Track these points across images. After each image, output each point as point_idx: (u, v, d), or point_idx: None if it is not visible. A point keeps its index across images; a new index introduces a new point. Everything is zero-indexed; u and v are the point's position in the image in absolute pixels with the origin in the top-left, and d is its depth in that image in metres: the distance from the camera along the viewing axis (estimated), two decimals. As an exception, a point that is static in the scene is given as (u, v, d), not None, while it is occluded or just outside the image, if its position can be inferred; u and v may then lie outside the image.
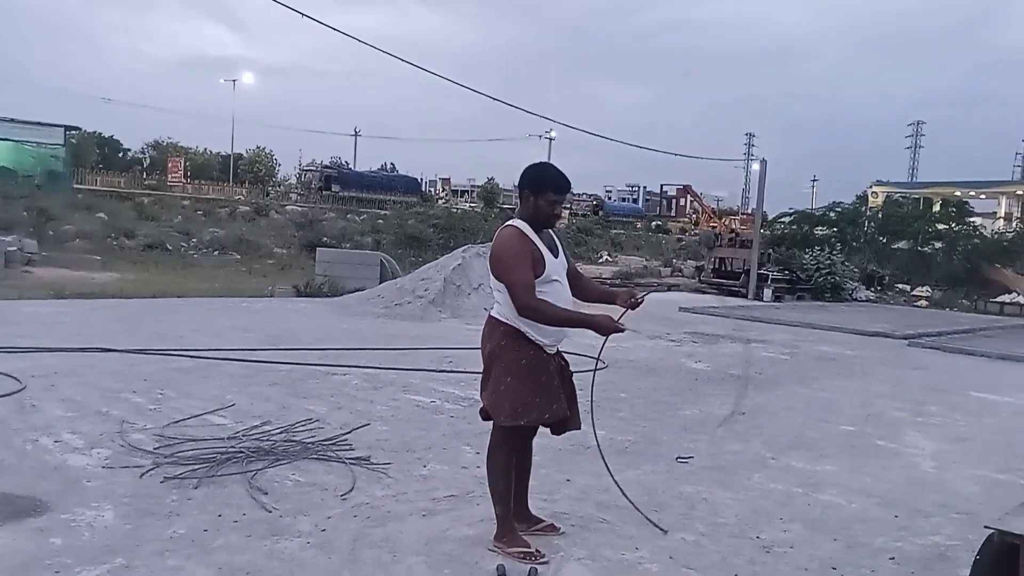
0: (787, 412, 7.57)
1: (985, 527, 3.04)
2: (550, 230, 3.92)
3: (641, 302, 3.92)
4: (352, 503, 4.39)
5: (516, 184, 3.96)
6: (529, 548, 3.80)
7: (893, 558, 4.11)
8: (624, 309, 3.86)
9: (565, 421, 3.92)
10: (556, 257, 3.84)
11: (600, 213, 66.87)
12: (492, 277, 3.80)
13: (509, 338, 3.75)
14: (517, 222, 3.79)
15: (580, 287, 4.05)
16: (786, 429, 6.85)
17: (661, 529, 4.22)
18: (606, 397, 7.58)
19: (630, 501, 4.36)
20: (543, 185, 3.78)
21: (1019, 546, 3.00)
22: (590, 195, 73.67)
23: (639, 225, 67.00)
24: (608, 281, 25.29)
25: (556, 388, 3.82)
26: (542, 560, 3.73)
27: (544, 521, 4.14)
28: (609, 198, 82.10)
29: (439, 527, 4.12)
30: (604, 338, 3.84)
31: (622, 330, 3.75)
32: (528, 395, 3.73)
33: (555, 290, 3.75)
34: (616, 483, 4.41)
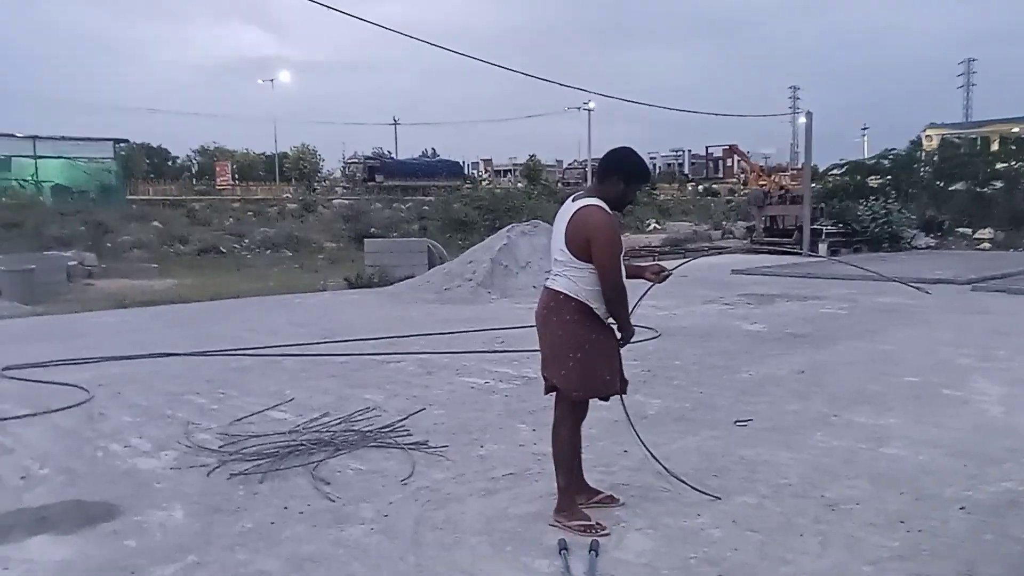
0: (848, 367, 7.42)
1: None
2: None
3: (668, 275, 4.07)
4: (412, 487, 4.44)
5: (601, 162, 3.96)
6: (590, 521, 3.80)
7: (963, 507, 4.02)
8: (652, 283, 4.05)
9: (619, 390, 4.01)
10: None
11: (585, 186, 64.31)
12: (568, 252, 3.75)
13: (582, 314, 3.77)
14: (601, 203, 3.78)
15: None
16: (847, 385, 6.72)
17: (712, 496, 4.18)
18: (660, 365, 7.55)
19: (670, 472, 4.32)
20: (635, 174, 3.86)
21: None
22: (580, 162, 71.18)
23: (652, 189, 63.87)
24: (657, 250, 25.09)
25: (617, 360, 3.94)
26: (603, 532, 3.73)
27: (603, 493, 4.14)
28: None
29: (499, 506, 4.14)
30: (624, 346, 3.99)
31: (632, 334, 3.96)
32: (601, 369, 3.83)
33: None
34: (650, 453, 4.39)
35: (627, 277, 4.00)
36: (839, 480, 4.45)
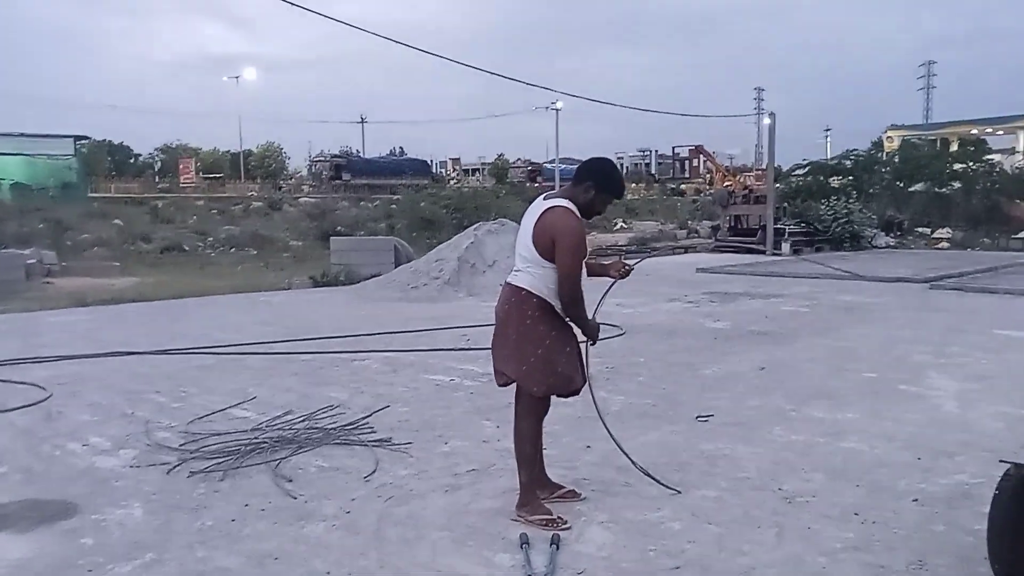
0: (808, 364, 7.54)
1: (1001, 461, 3.03)
2: None
3: (631, 270, 4.15)
4: (375, 484, 4.44)
5: (579, 168, 3.98)
6: (551, 515, 3.83)
7: (916, 500, 4.11)
8: (614, 280, 4.11)
9: (580, 386, 4.05)
10: None
11: (539, 180, 62.41)
12: (533, 249, 3.78)
13: (543, 311, 3.81)
14: (571, 205, 3.81)
15: None
16: (807, 381, 6.83)
17: (672, 489, 4.23)
18: (624, 362, 7.61)
19: (636, 464, 4.36)
20: (610, 188, 3.90)
21: (1038, 478, 2.99)
22: (524, 161, 70.55)
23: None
24: (624, 248, 25.24)
25: (578, 356, 3.98)
26: (564, 526, 3.76)
27: (565, 488, 4.18)
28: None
29: (462, 501, 4.16)
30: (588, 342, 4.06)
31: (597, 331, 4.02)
32: (561, 366, 3.86)
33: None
34: (619, 446, 4.42)
35: (591, 275, 4.04)
36: (796, 473, 4.53)
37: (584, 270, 3.88)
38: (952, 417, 5.69)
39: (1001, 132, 52.39)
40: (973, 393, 6.32)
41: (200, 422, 5.74)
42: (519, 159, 70.45)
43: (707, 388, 6.62)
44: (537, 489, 4.02)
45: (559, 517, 3.83)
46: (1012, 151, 44.79)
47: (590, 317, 3.94)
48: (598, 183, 3.85)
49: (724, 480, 4.44)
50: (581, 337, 4.04)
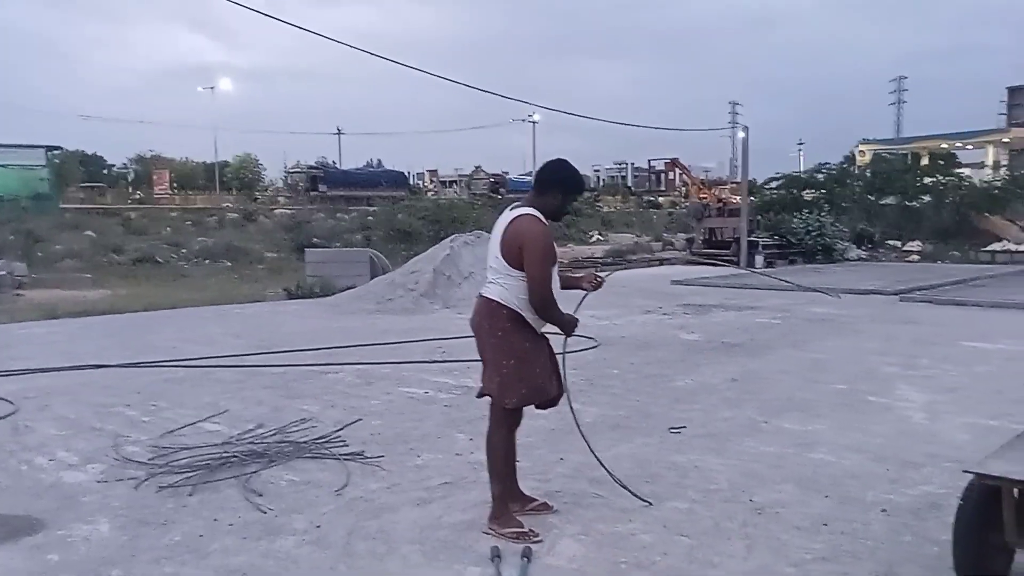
0: (780, 375, 7.61)
1: (964, 471, 3.07)
2: None
3: (603, 282, 4.19)
4: (347, 498, 4.42)
5: (538, 174, 4.03)
6: (523, 528, 3.83)
7: (885, 510, 4.16)
8: (586, 292, 4.14)
9: (554, 398, 4.07)
10: None
11: (501, 192, 60.86)
12: (502, 259, 3.80)
13: (514, 322, 3.82)
14: (537, 213, 3.84)
15: None
16: (778, 392, 6.89)
17: (645, 501, 4.25)
18: (599, 374, 7.63)
19: (611, 475, 4.37)
20: (570, 186, 3.95)
21: (1001, 488, 3.04)
22: (488, 173, 70.27)
23: (596, 201, 62.17)
24: (600, 260, 25.35)
25: (552, 368, 3.99)
26: (536, 539, 3.76)
27: (537, 500, 4.18)
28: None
29: (433, 515, 4.15)
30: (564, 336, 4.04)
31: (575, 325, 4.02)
32: (534, 377, 3.86)
33: (555, 278, 3.90)
34: (596, 456, 4.43)
35: (564, 288, 4.06)
36: (767, 485, 4.56)
37: (556, 278, 3.89)
38: (920, 428, 5.75)
39: (971, 147, 53.23)
40: (941, 405, 6.41)
41: (170, 436, 5.68)
42: (480, 170, 69.76)
43: (680, 400, 6.65)
44: (509, 502, 4.02)
45: (530, 530, 3.83)
46: (981, 165, 45.51)
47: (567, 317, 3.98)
48: (564, 187, 3.91)
49: (695, 492, 4.46)
50: (558, 349, 4.07)
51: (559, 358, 4.07)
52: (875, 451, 5.17)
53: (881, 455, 5.08)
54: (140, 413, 6.39)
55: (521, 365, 3.82)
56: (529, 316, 3.84)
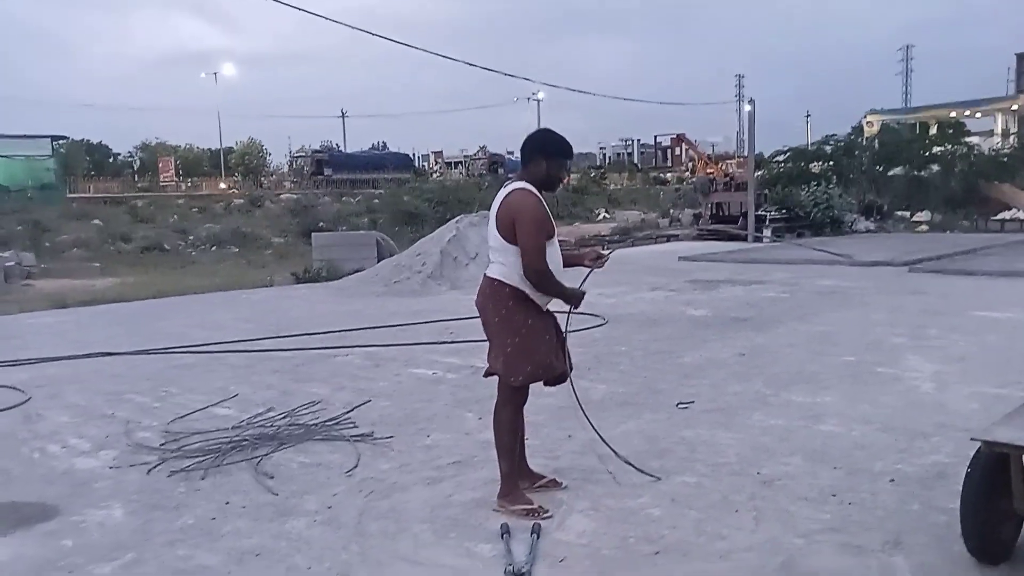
0: (788, 349, 7.60)
1: (971, 439, 3.07)
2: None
3: (606, 259, 4.13)
4: (357, 479, 4.45)
5: (522, 148, 4.01)
6: (532, 504, 3.86)
7: (893, 480, 4.16)
8: (591, 268, 4.09)
9: (562, 375, 4.07)
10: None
11: (500, 172, 59.87)
12: (499, 237, 3.82)
13: (516, 300, 3.83)
14: (529, 186, 3.85)
15: None
16: (787, 366, 6.88)
17: (651, 476, 4.26)
18: (606, 351, 7.64)
19: (615, 452, 4.39)
20: (553, 150, 3.91)
21: (1008, 455, 3.03)
22: (487, 153, 69.59)
23: (602, 178, 61.33)
24: (607, 238, 25.28)
25: (557, 345, 3.98)
26: (545, 515, 3.79)
27: (546, 477, 4.20)
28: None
29: (443, 493, 4.17)
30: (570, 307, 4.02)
31: (581, 297, 4.01)
32: (539, 355, 3.86)
33: (553, 251, 3.87)
34: (599, 434, 4.45)
35: (566, 266, 4.05)
36: (775, 457, 4.57)
37: (558, 253, 3.89)
38: (928, 399, 5.75)
39: (979, 115, 52.73)
40: (950, 375, 6.39)
41: (180, 421, 5.72)
42: (480, 149, 68.99)
43: (688, 375, 6.66)
44: (519, 479, 4.05)
45: (540, 506, 3.85)
46: (990, 133, 45.08)
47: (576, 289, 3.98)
48: (545, 152, 3.89)
49: (703, 466, 4.47)
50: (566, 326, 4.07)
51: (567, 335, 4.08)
52: (883, 422, 5.17)
53: (889, 425, 5.08)
54: (151, 399, 6.43)
55: (525, 343, 3.83)
56: (532, 293, 3.83)
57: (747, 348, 7.66)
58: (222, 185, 48.10)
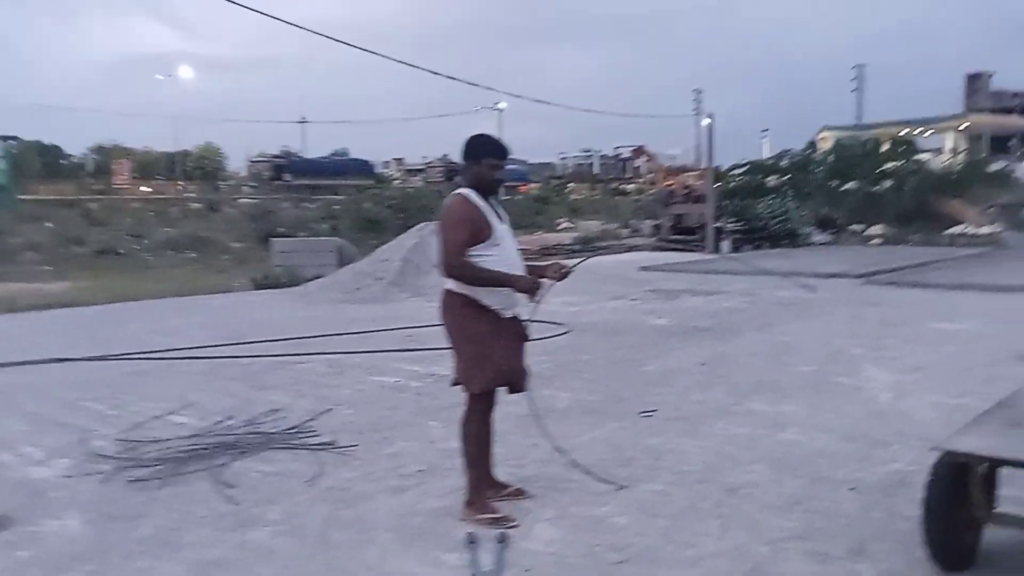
0: (749, 358, 7.68)
1: (932, 448, 3.12)
2: (494, 199, 3.99)
3: (569, 273, 4.07)
4: (321, 488, 4.39)
5: (461, 156, 4.02)
6: (498, 514, 3.84)
7: (854, 488, 4.22)
8: (553, 281, 4.03)
9: (520, 383, 4.07)
10: (503, 223, 3.96)
11: (457, 179, 62.58)
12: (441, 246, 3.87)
13: (469, 307, 3.83)
14: (463, 190, 3.90)
15: None
16: (748, 375, 6.95)
17: (612, 484, 4.27)
18: (570, 360, 7.65)
19: (574, 463, 4.39)
20: (481, 152, 3.92)
21: (968, 464, 3.09)
22: (446, 161, 69.65)
23: (522, 189, 60.40)
24: (568, 247, 25.35)
25: (516, 351, 3.98)
26: (511, 524, 3.77)
27: (512, 486, 4.18)
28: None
29: (409, 502, 4.13)
30: (534, 301, 3.88)
31: (539, 290, 3.82)
32: (495, 361, 3.84)
33: (503, 254, 3.85)
34: (556, 446, 4.44)
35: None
36: (740, 466, 4.61)
37: (510, 256, 3.86)
38: (888, 408, 5.85)
39: (929, 133, 54.11)
40: (908, 384, 6.51)
41: (138, 429, 5.59)
42: (435, 159, 68.47)
43: (651, 384, 6.69)
44: (485, 488, 4.03)
45: (506, 515, 3.83)
46: (939, 151, 46.23)
47: (527, 315, 3.97)
48: (475, 155, 3.90)
49: (669, 474, 4.49)
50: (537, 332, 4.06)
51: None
52: (844, 431, 5.25)
53: (850, 434, 5.16)
54: (107, 407, 6.28)
55: (481, 349, 3.82)
56: (489, 299, 3.82)
57: (709, 357, 7.73)
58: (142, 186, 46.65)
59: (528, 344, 4.09)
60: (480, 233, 3.78)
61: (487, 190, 3.91)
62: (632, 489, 4.24)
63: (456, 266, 3.77)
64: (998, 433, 3.09)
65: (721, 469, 4.55)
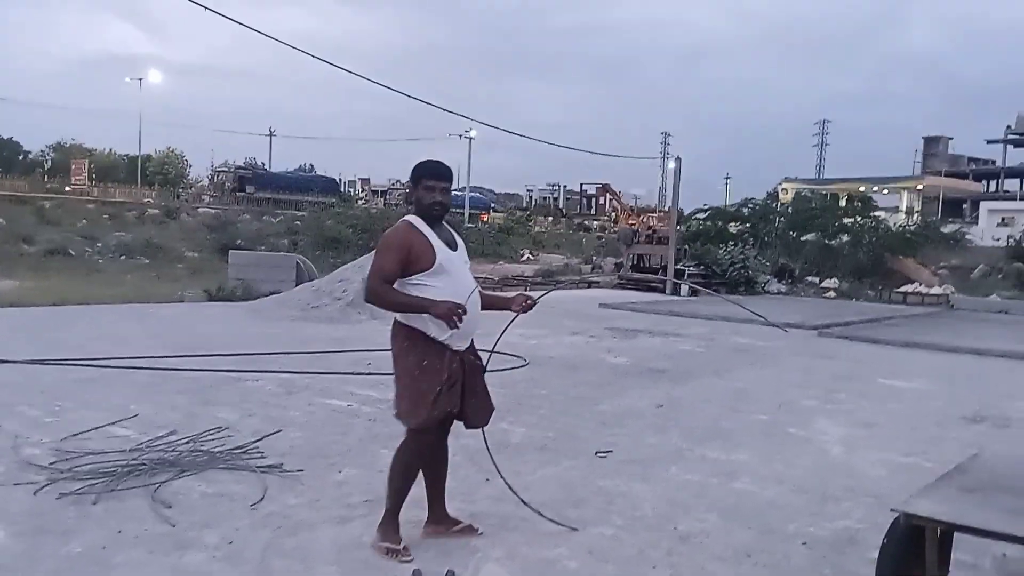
0: (703, 404, 7.68)
1: (891, 510, 3.11)
2: (448, 226, 3.91)
3: (534, 305, 3.97)
4: (262, 513, 4.24)
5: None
6: (397, 546, 3.73)
7: (805, 543, 4.19)
8: (516, 314, 3.95)
9: (472, 417, 3.91)
10: (454, 251, 3.82)
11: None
12: None
13: (411, 340, 3.72)
14: (411, 217, 3.83)
15: None
16: (702, 420, 6.95)
17: (568, 526, 4.18)
18: (527, 394, 7.58)
19: (525, 503, 4.30)
20: (419, 175, 3.83)
21: (924, 528, 3.08)
22: (404, 183, 69.71)
23: (483, 218, 59.96)
24: (530, 279, 25.38)
25: (457, 387, 3.75)
26: (406, 559, 3.67)
27: (462, 523, 4.08)
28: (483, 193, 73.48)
29: (353, 534, 4.00)
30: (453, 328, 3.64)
31: (462, 315, 3.56)
32: (429, 397, 3.68)
33: (448, 283, 3.68)
34: (509, 486, 4.34)
35: (490, 308, 3.98)
36: (691, 513, 4.56)
37: (459, 285, 3.72)
38: (838, 462, 5.86)
39: (886, 191, 55.61)
40: (858, 439, 6.55)
41: (74, 439, 5.38)
42: (397, 181, 68.00)
43: (606, 423, 6.65)
44: (434, 523, 3.93)
45: (404, 547, 3.72)
46: (896, 210, 47.48)
47: (491, 346, 3.89)
48: (414, 178, 3.84)
49: (620, 518, 4.43)
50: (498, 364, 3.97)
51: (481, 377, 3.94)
52: (795, 483, 5.24)
53: (801, 487, 5.15)
54: (43, 413, 6.05)
55: (418, 385, 3.69)
56: (436, 331, 3.65)
57: (665, 399, 7.71)
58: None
59: (485, 378, 3.99)
60: (419, 261, 3.66)
61: (428, 214, 3.78)
62: (583, 532, 4.16)
63: (373, 291, 3.66)
64: (955, 498, 3.08)
65: (673, 516, 4.49)
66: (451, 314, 3.54)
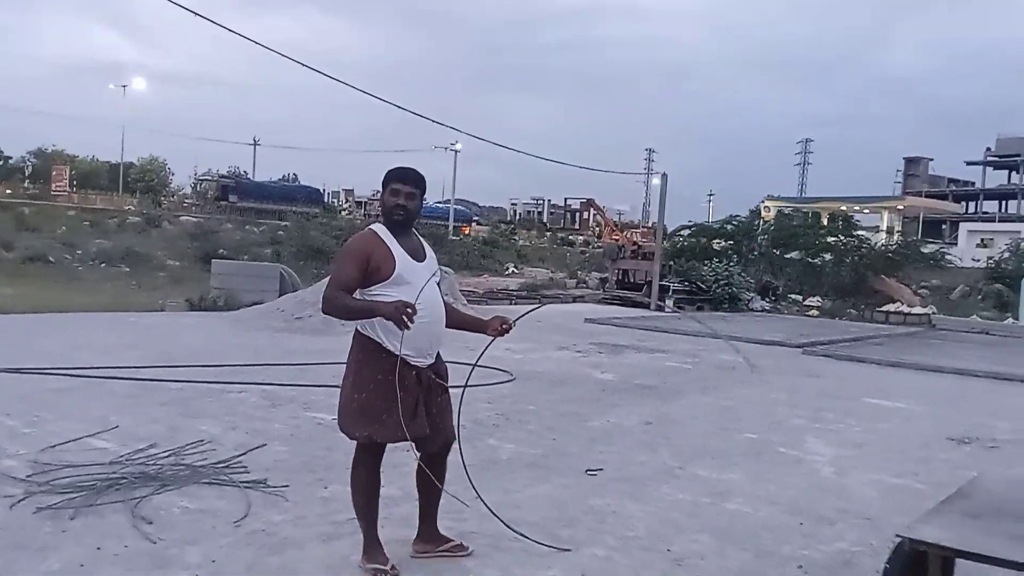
0: (692, 421, 7.62)
1: (896, 536, 3.05)
2: (418, 237, 3.81)
3: (510, 328, 3.82)
4: (246, 530, 4.12)
5: None
6: (384, 566, 3.62)
7: (801, 567, 4.12)
8: (492, 338, 3.83)
9: (427, 440, 3.70)
10: (421, 262, 3.68)
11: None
12: None
13: (367, 353, 3.59)
14: (376, 225, 3.73)
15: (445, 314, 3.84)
16: (692, 438, 6.89)
17: (559, 548, 4.09)
18: (514, 409, 7.49)
19: (505, 524, 4.14)
20: (386, 179, 3.73)
21: (927, 553, 3.02)
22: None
23: (464, 230, 59.48)
24: (514, 292, 25.32)
25: (413, 405, 3.58)
26: None
27: (452, 541, 3.98)
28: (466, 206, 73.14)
29: (341, 552, 3.90)
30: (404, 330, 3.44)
31: (411, 313, 3.36)
32: (379, 412, 3.54)
33: (408, 293, 3.48)
34: (490, 509, 4.18)
35: (465, 328, 3.88)
36: (684, 534, 4.49)
37: (425, 294, 3.57)
38: (830, 483, 5.81)
39: (867, 211, 56.14)
40: (848, 460, 6.51)
41: (52, 451, 5.24)
42: (376, 191, 67.74)
43: (595, 440, 6.57)
44: (424, 541, 3.84)
45: (391, 567, 3.62)
46: (877, 229, 47.88)
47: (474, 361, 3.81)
48: (382, 185, 3.74)
49: (613, 538, 4.34)
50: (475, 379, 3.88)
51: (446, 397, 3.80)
52: (788, 504, 5.18)
53: (794, 508, 5.09)
54: (21, 424, 5.90)
55: (367, 396, 3.56)
56: (392, 343, 3.49)
57: (653, 417, 7.65)
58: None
59: (449, 398, 3.81)
60: (379, 271, 3.53)
61: (391, 218, 3.66)
62: (576, 552, 4.07)
63: (327, 298, 3.57)
64: (958, 524, 3.03)
65: (666, 536, 4.42)
66: (399, 313, 3.33)
